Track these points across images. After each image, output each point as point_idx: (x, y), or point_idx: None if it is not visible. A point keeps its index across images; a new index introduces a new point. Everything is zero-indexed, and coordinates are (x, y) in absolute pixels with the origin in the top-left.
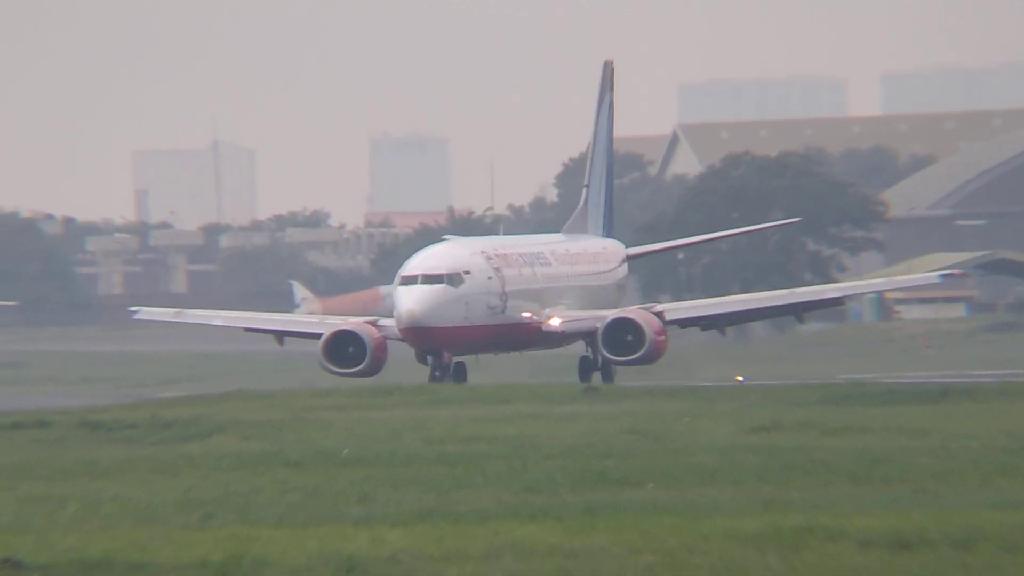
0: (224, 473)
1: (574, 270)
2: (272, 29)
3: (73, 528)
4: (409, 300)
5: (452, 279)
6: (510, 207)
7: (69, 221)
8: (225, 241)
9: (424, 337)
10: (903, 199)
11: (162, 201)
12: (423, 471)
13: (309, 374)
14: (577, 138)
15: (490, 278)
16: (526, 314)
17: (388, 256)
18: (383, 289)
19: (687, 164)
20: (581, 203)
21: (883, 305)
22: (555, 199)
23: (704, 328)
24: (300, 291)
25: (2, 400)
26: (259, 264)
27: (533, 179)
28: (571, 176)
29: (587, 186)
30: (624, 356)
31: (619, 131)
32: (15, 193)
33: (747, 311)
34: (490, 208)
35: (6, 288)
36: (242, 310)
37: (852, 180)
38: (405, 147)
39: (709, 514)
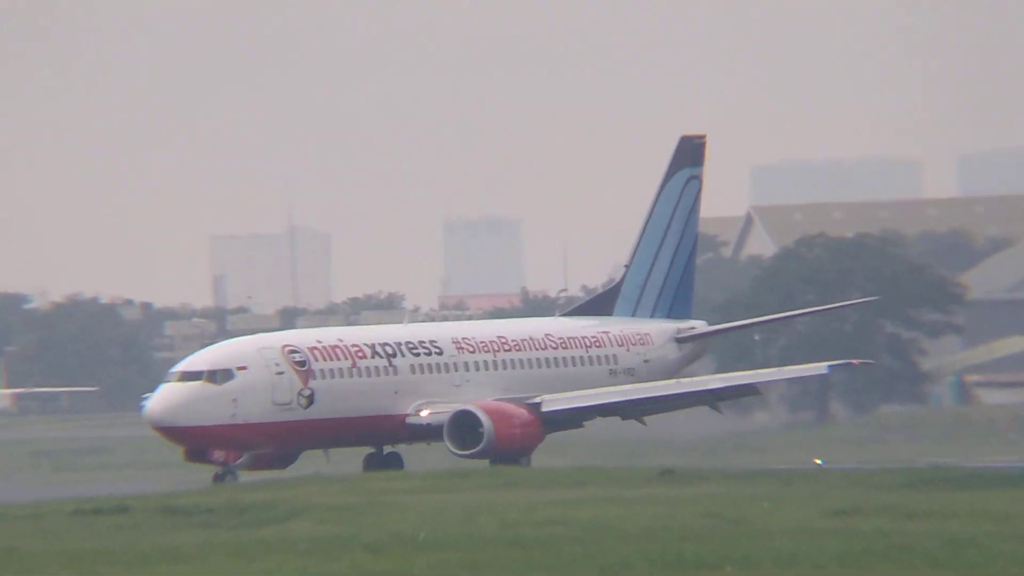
0: (301, 557)
1: (501, 357)
2: (347, 115)
3: None
4: (153, 399)
5: (215, 375)
6: (583, 288)
7: (147, 306)
8: (301, 324)
9: (176, 437)
10: (981, 282)
11: (239, 286)
12: (499, 554)
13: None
14: None
15: (280, 373)
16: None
17: None
18: None
19: (761, 245)
20: (616, 283)
21: (963, 388)
22: None
23: (624, 418)
24: None
25: (83, 486)
26: None
27: (607, 260)
28: None
29: (627, 266)
30: (470, 450)
31: None
32: (95, 279)
33: (630, 402)
34: (564, 290)
35: (87, 373)
36: None
37: (929, 262)
38: (479, 229)
39: None
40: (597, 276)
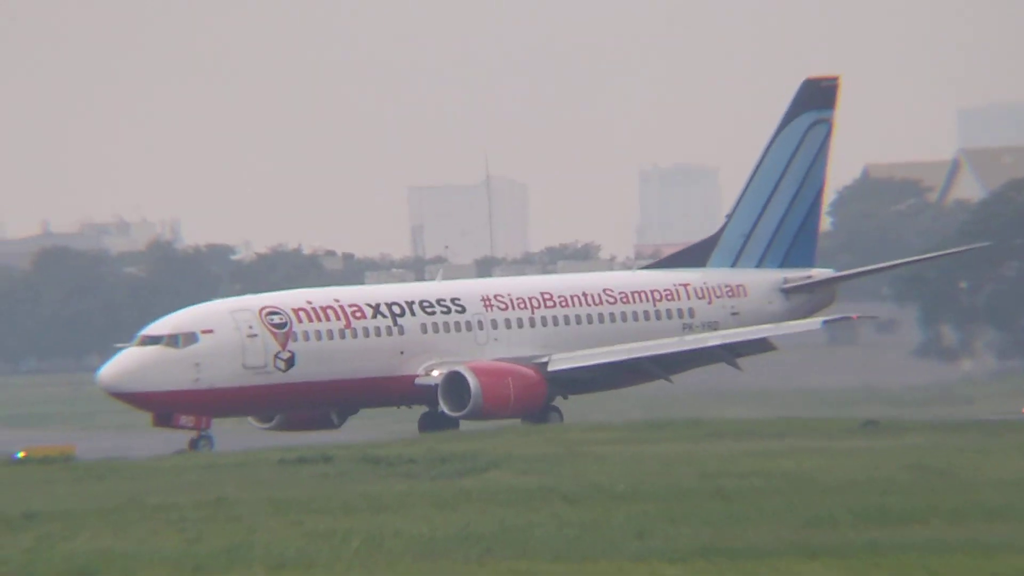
0: (501, 507)
1: (540, 314)
2: (541, 64)
3: (358, 562)
4: (108, 364)
5: (174, 340)
6: None
7: (349, 257)
8: (497, 274)
9: (133, 403)
10: None
11: (437, 236)
12: (699, 506)
13: (582, 408)
14: (847, 167)
15: (253, 336)
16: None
17: None
18: None
19: (969, 190)
20: (714, 234)
21: None
22: (828, 227)
23: (652, 377)
24: None
25: (289, 436)
26: None
27: None
28: (845, 204)
29: (728, 216)
30: (459, 411)
31: (895, 157)
32: (298, 230)
33: (634, 360)
34: None
35: None
36: None
37: None
38: (674, 178)
39: (998, 552)
40: None
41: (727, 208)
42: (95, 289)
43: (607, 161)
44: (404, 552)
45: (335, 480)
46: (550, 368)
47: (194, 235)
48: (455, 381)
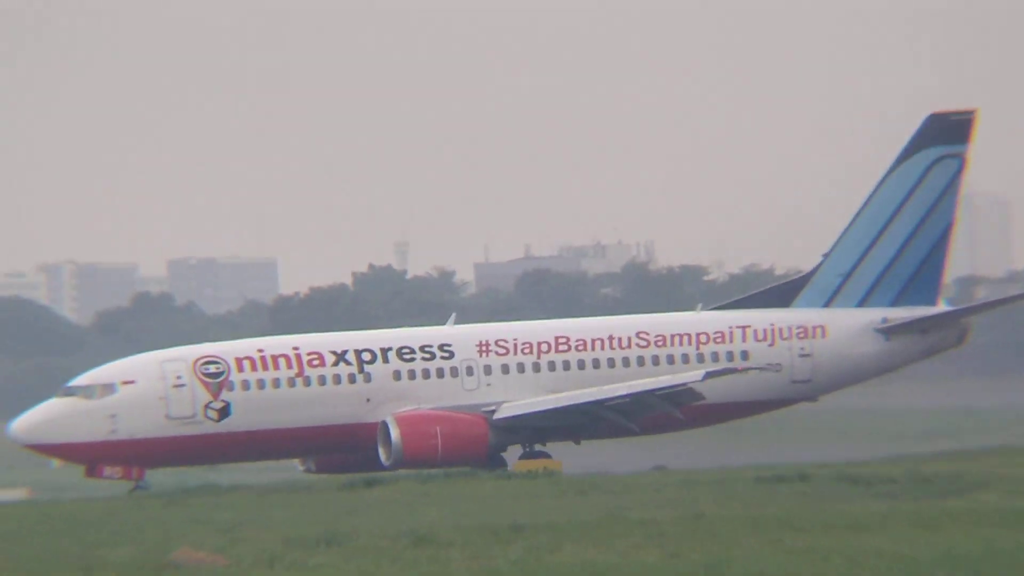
0: (989, 529)
1: (548, 358)
2: (997, 82)
3: None
4: (20, 416)
5: (91, 391)
6: None
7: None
8: (979, 294)
9: (49, 454)
10: None
11: None
12: None
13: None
14: None
15: (180, 386)
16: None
17: None
18: None
19: None
20: (805, 273)
21: None
22: None
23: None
24: None
25: (766, 453)
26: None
27: None
28: None
29: (826, 255)
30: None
31: None
32: (771, 251)
33: (570, 407)
34: None
35: None
36: None
37: None
38: None
39: None
40: None
41: None
42: (573, 309)
43: None
44: (886, 572)
45: (812, 499)
46: (497, 415)
47: (668, 256)
48: (384, 431)
